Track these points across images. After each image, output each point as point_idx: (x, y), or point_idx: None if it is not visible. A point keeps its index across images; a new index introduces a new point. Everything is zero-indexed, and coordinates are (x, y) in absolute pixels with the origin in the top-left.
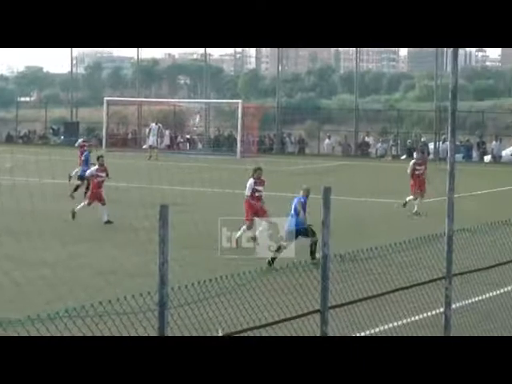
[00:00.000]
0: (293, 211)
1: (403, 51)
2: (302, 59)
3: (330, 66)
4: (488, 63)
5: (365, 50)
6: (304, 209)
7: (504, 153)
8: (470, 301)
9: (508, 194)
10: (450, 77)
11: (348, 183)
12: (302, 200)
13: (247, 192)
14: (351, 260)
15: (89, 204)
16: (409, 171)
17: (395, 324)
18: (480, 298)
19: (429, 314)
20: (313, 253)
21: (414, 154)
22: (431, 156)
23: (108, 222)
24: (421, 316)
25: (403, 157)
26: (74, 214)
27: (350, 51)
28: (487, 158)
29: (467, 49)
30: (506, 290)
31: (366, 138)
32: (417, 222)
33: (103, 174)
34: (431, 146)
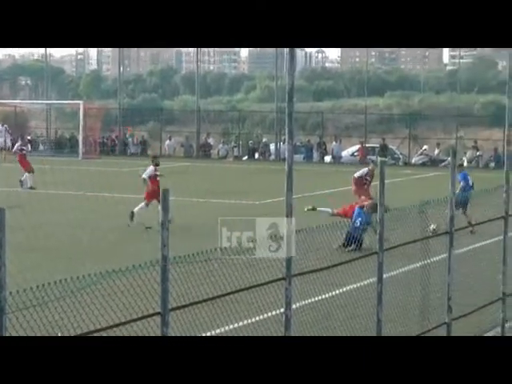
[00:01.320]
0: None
1: (244, 52)
2: (143, 60)
3: (171, 66)
4: (328, 64)
5: (206, 50)
6: None
7: (344, 153)
8: (310, 300)
9: (347, 193)
10: (287, 78)
11: (190, 184)
12: None
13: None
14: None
15: (147, 204)
16: (356, 175)
17: (236, 325)
18: (320, 297)
19: (269, 314)
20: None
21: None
22: (272, 157)
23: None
24: (261, 316)
25: (245, 158)
26: (132, 215)
27: (191, 52)
28: (328, 159)
29: (307, 49)
30: (345, 289)
31: (208, 139)
32: None
33: (159, 173)
34: (272, 146)
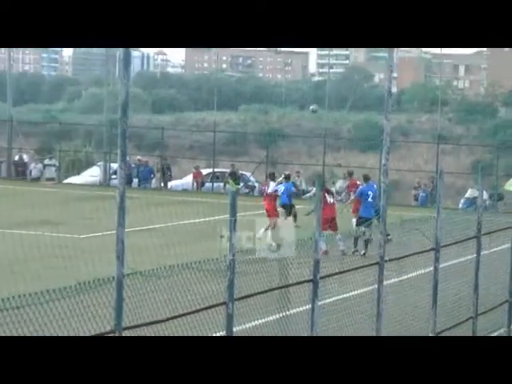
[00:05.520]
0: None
1: (68, 50)
2: None
3: None
4: (169, 69)
5: (21, 48)
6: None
7: (176, 182)
8: None
9: (188, 227)
10: (120, 87)
11: None
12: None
13: None
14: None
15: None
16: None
17: None
18: None
19: None
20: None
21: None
22: (97, 179)
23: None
24: None
25: (67, 180)
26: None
27: (2, 49)
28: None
29: (144, 50)
30: None
31: (23, 156)
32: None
33: None
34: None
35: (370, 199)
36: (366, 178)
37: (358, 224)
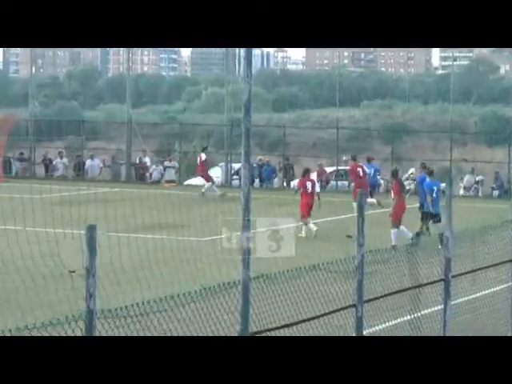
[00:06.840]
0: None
1: (186, 50)
2: (61, 59)
3: (95, 67)
4: (290, 66)
5: (139, 49)
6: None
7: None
8: None
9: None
10: (243, 86)
11: (119, 216)
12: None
13: None
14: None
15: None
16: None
17: None
18: None
19: None
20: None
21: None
22: (219, 179)
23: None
24: None
25: (188, 182)
26: None
27: (120, 50)
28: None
29: (265, 49)
30: None
31: (144, 158)
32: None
33: None
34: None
35: (434, 194)
36: (431, 173)
37: (429, 220)
